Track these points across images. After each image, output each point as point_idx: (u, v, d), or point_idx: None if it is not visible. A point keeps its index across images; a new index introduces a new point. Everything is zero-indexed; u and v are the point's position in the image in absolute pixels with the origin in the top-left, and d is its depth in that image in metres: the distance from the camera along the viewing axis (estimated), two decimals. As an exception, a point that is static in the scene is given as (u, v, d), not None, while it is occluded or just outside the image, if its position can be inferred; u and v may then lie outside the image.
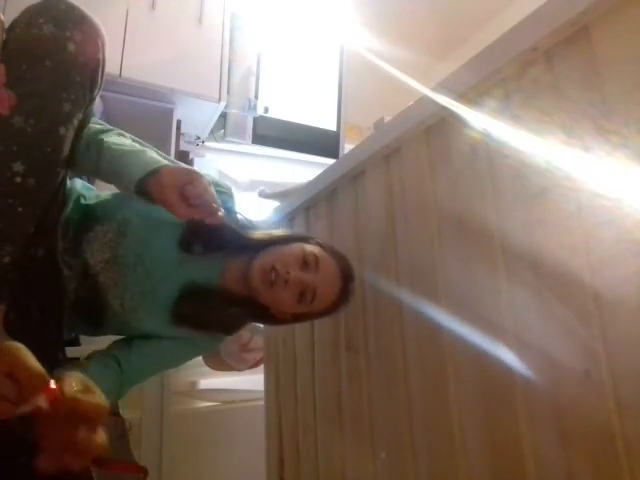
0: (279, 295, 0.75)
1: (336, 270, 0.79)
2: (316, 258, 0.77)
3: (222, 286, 0.81)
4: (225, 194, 0.84)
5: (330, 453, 1.01)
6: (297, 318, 0.84)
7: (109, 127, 0.74)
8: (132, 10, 1.74)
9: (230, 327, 0.86)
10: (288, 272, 0.73)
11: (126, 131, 0.77)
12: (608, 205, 0.46)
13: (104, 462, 0.49)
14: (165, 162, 0.66)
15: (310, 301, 0.76)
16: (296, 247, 0.78)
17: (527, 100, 0.56)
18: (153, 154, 0.69)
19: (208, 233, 0.77)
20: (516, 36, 0.55)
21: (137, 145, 0.71)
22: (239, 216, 0.85)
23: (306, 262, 0.76)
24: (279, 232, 0.85)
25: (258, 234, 0.82)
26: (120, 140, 0.71)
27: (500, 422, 0.58)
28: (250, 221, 0.86)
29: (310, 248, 0.79)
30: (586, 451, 0.47)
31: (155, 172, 0.64)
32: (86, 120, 0.68)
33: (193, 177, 0.63)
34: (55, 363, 0.65)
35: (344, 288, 0.81)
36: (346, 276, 0.81)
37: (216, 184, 0.83)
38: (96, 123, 0.73)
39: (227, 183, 0.87)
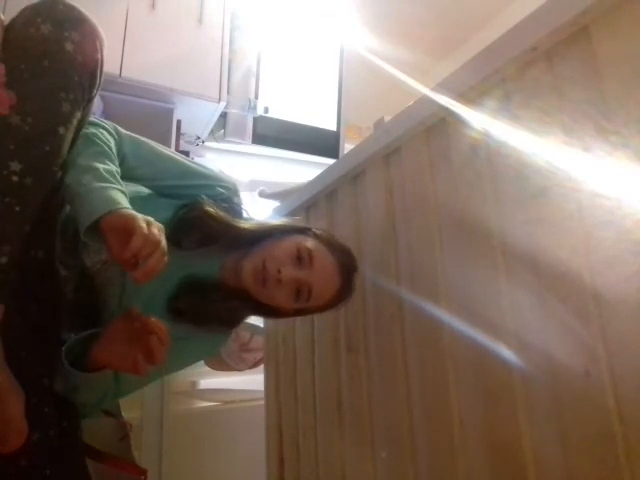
0: (273, 294, 0.74)
1: (333, 265, 0.76)
2: (310, 253, 0.74)
3: (221, 280, 0.80)
4: (229, 190, 0.83)
5: (330, 453, 1.01)
6: (298, 312, 0.82)
7: (95, 139, 0.68)
8: (132, 10, 1.74)
9: (230, 320, 0.85)
10: (280, 271, 0.71)
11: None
12: (608, 205, 0.46)
13: (105, 457, 0.49)
14: (114, 206, 0.59)
15: (306, 299, 0.74)
16: (289, 242, 0.75)
17: (527, 100, 0.56)
18: (106, 194, 0.61)
19: (193, 227, 0.75)
20: (516, 36, 0.55)
21: (100, 175, 0.63)
22: (244, 212, 0.84)
23: (300, 257, 0.73)
24: (273, 223, 0.83)
25: (250, 225, 0.79)
26: (87, 165, 0.64)
27: (500, 422, 0.58)
28: (252, 218, 0.85)
29: (304, 242, 0.76)
30: (586, 450, 0.47)
31: (96, 222, 0.59)
32: (85, 120, 0.67)
33: (134, 230, 0.56)
34: (54, 363, 0.65)
35: (344, 282, 0.78)
36: (345, 269, 0.78)
37: (220, 180, 0.83)
38: (92, 124, 0.71)
39: (232, 179, 0.86)
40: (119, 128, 0.75)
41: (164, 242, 0.60)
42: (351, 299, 0.83)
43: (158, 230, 0.60)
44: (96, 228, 0.59)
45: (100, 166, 0.65)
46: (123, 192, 0.64)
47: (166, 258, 0.59)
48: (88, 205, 0.60)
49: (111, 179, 0.64)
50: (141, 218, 0.58)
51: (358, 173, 0.96)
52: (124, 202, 0.61)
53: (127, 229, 0.57)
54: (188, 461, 1.82)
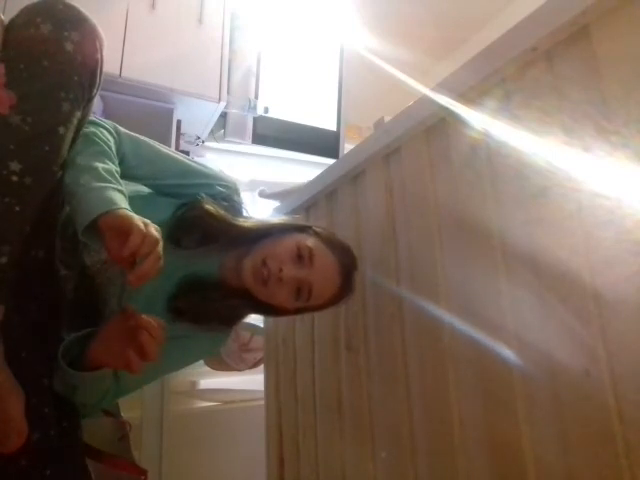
0: (274, 293, 0.74)
1: (334, 263, 0.76)
2: (310, 251, 0.74)
3: (221, 279, 0.80)
4: (229, 189, 0.83)
5: (330, 453, 1.01)
6: (298, 311, 0.82)
7: (94, 138, 0.69)
8: (132, 10, 1.74)
9: (230, 319, 0.85)
10: (281, 269, 0.71)
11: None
12: (608, 205, 0.46)
13: (105, 457, 0.49)
14: (111, 206, 0.59)
15: (307, 298, 0.74)
16: (290, 240, 0.75)
17: (527, 100, 0.56)
18: (104, 194, 0.61)
19: (193, 226, 0.75)
20: (516, 36, 0.55)
21: (98, 174, 0.63)
22: (244, 211, 0.84)
23: (301, 256, 0.73)
24: (274, 221, 0.83)
25: (251, 224, 0.79)
26: (86, 165, 0.64)
27: (500, 422, 0.58)
28: (252, 217, 0.85)
29: (305, 241, 0.76)
30: (586, 450, 0.47)
31: (94, 222, 0.59)
32: (85, 119, 0.67)
33: (132, 230, 0.56)
34: (55, 362, 0.65)
35: (344, 280, 0.78)
36: (346, 269, 0.79)
37: (220, 179, 0.83)
38: (92, 124, 0.71)
39: (232, 178, 0.86)
40: (119, 127, 0.75)
41: (161, 243, 0.60)
42: (351, 297, 0.83)
43: (156, 230, 0.60)
44: (94, 228, 0.59)
45: (99, 165, 0.65)
46: (122, 192, 0.64)
47: (161, 262, 0.59)
48: (86, 205, 0.60)
49: (110, 179, 0.64)
50: (138, 218, 0.58)
51: (358, 173, 0.96)
52: (122, 202, 0.61)
53: (124, 229, 0.57)
54: (188, 461, 1.82)
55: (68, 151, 0.64)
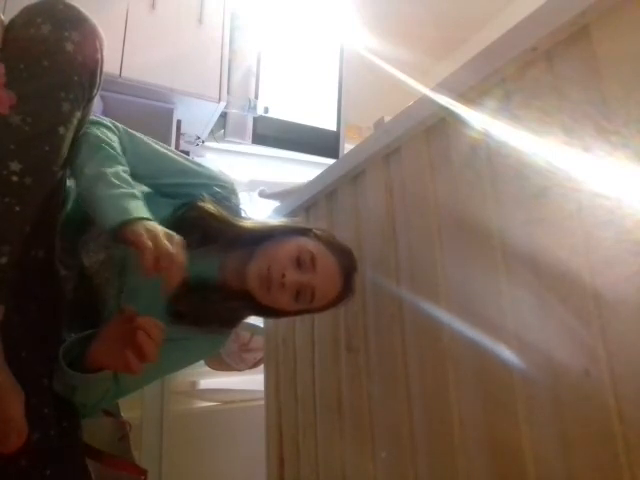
0: (276, 297, 0.74)
1: (335, 266, 0.77)
2: (312, 256, 0.75)
3: (221, 281, 0.80)
4: (226, 189, 0.82)
5: (330, 453, 1.01)
6: (299, 312, 0.82)
7: (100, 143, 0.69)
8: (132, 10, 1.74)
9: (231, 321, 0.85)
10: (284, 275, 0.72)
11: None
12: (608, 205, 0.46)
13: (105, 458, 0.49)
14: (126, 216, 0.61)
15: (309, 301, 0.75)
16: (291, 244, 0.76)
17: (527, 100, 0.56)
18: (121, 201, 0.63)
19: (193, 226, 0.75)
20: (516, 36, 0.55)
21: (109, 181, 0.65)
22: (242, 212, 0.84)
23: (303, 260, 0.74)
24: (274, 223, 0.83)
25: (251, 224, 0.79)
26: (97, 172, 0.66)
27: (500, 422, 0.58)
28: (251, 218, 0.85)
29: (306, 245, 0.76)
30: (586, 450, 0.47)
31: (122, 225, 0.61)
32: (85, 119, 0.67)
33: (140, 249, 0.58)
34: (54, 363, 0.65)
35: (345, 283, 0.79)
36: (347, 271, 0.79)
37: (217, 179, 0.82)
38: (92, 123, 0.71)
39: (229, 178, 0.86)
40: (118, 125, 0.75)
41: (178, 251, 0.60)
42: (352, 298, 0.83)
43: (168, 240, 0.60)
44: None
45: (109, 171, 0.66)
46: (134, 195, 0.65)
47: (184, 269, 0.60)
48: (105, 214, 0.62)
49: (121, 184, 0.65)
50: (146, 232, 0.59)
51: (358, 173, 0.96)
52: (134, 209, 0.62)
53: (135, 246, 0.58)
54: (188, 461, 1.82)
55: (69, 152, 0.64)
